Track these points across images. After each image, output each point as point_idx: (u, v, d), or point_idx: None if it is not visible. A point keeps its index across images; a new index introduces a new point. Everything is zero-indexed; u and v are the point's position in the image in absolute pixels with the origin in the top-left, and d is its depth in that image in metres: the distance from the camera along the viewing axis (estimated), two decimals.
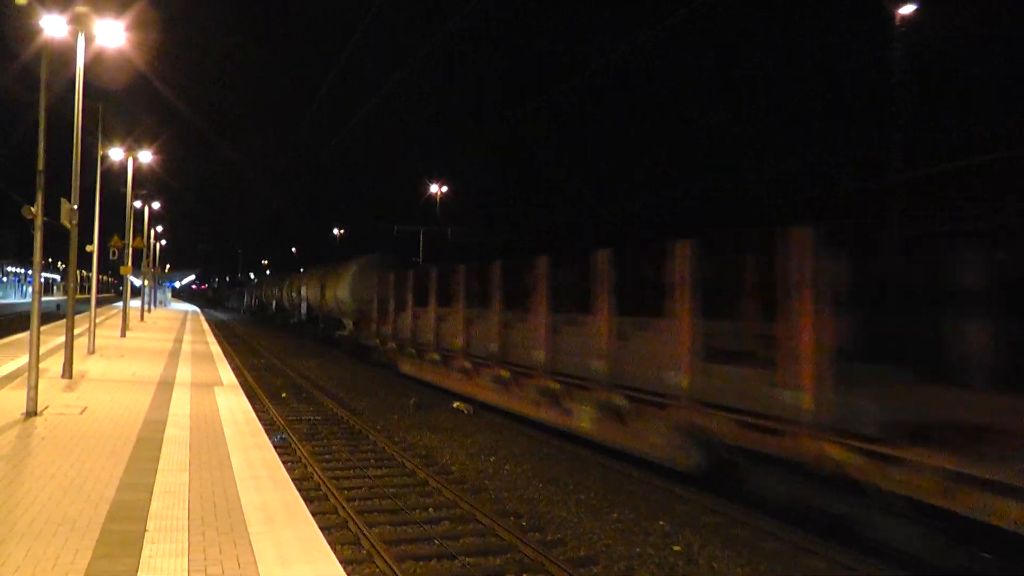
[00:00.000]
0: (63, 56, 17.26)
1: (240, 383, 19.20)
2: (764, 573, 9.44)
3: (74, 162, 17.69)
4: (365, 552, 9.51)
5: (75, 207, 17.13)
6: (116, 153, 33.15)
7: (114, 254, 35.30)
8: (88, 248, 26.63)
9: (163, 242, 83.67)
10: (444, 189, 55.25)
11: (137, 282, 69.65)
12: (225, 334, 49.98)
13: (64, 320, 19.56)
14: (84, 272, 63.70)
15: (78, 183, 17.71)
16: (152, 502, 7.86)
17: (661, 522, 11.21)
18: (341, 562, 6.67)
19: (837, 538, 10.40)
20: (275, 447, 11.43)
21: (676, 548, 10.17)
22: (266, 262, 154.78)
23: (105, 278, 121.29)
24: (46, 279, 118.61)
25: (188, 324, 48.22)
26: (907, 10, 19.09)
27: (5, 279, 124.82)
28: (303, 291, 49.18)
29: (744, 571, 9.49)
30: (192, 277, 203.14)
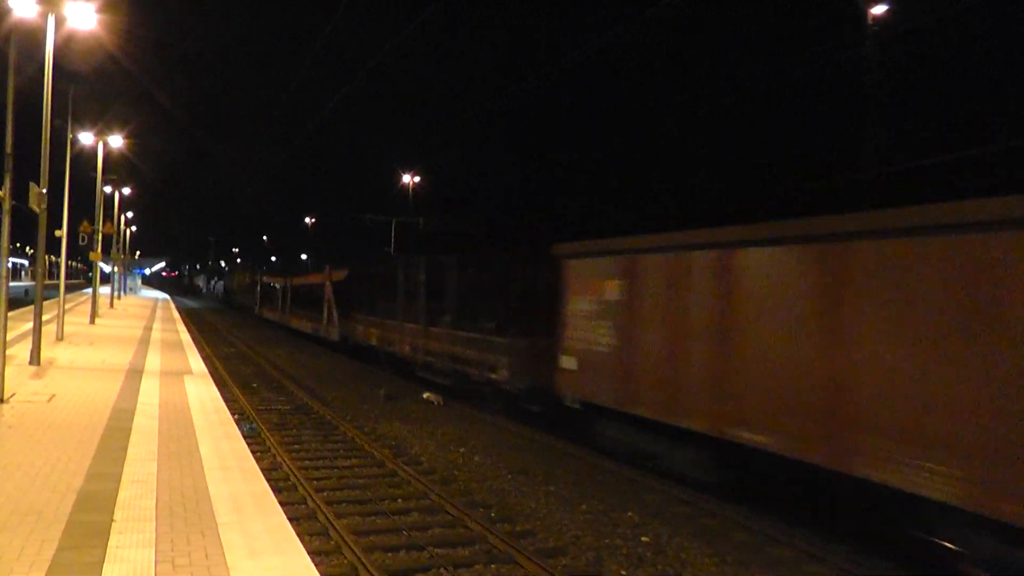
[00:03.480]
0: (33, 38, 17.05)
1: (210, 372, 19.11)
2: (732, 563, 9.54)
3: (43, 145, 17.46)
4: (334, 543, 9.51)
5: (44, 191, 16.93)
6: (86, 137, 32.81)
7: (83, 239, 34.95)
8: (57, 233, 26.34)
9: (133, 228, 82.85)
10: (417, 179, 55.03)
11: (107, 268, 68.95)
12: (195, 322, 49.60)
13: (32, 306, 19.34)
14: (53, 257, 62.91)
15: (47, 166, 17.47)
16: (120, 492, 7.81)
17: (630, 513, 11.30)
18: (309, 553, 6.66)
19: (806, 527, 10.55)
20: (244, 437, 11.39)
21: (644, 539, 10.25)
22: (237, 250, 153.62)
23: (74, 264, 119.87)
24: (13, 264, 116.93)
25: (158, 312, 47.84)
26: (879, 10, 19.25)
27: None
28: None
29: (712, 561, 9.59)
30: (162, 264, 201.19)
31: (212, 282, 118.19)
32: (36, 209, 16.67)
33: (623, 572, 9.20)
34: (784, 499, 11.07)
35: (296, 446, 14.92)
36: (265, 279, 59.00)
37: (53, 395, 13.45)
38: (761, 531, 10.55)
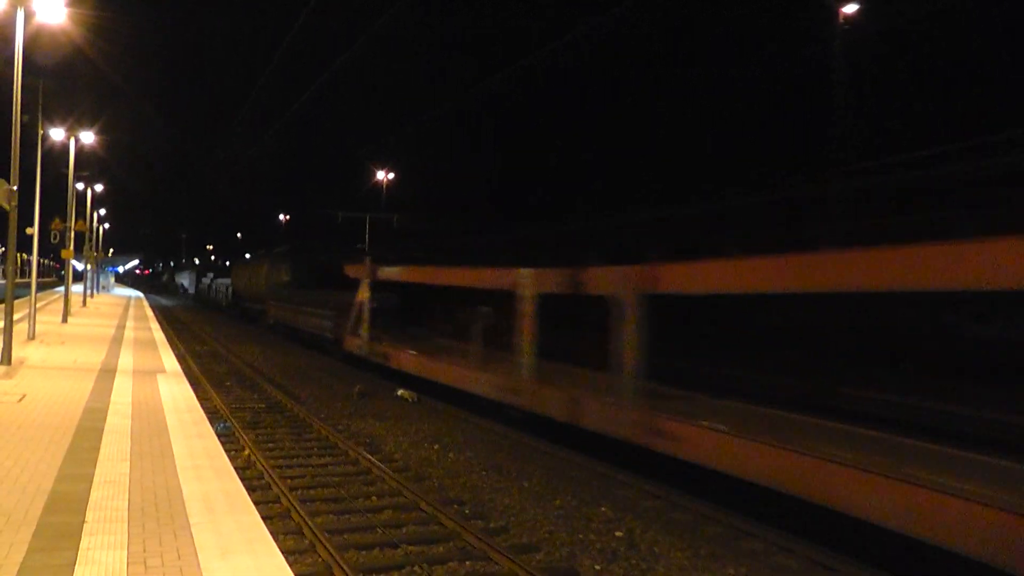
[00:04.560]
0: (2, 32, 16.93)
1: (183, 370, 19.00)
2: (704, 556, 9.66)
3: (13, 141, 17.28)
4: (307, 542, 9.52)
5: (14, 188, 16.78)
6: (58, 133, 32.50)
7: (55, 237, 34.61)
8: (28, 231, 26.07)
9: (106, 226, 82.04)
10: (391, 176, 54.90)
11: (79, 266, 68.33)
12: (168, 320, 49.27)
13: (2, 305, 19.16)
14: (24, 255, 61.94)
15: (17, 163, 17.31)
16: (91, 493, 7.78)
17: (603, 508, 11.40)
18: (283, 552, 6.67)
19: (776, 522, 10.68)
20: (218, 436, 11.36)
21: (618, 534, 10.35)
22: (211, 247, 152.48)
23: (46, 262, 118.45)
24: None
25: (131, 310, 47.46)
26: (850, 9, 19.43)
27: None
28: None
29: (684, 554, 9.70)
30: (136, 262, 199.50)
31: (208, 280, 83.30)
32: (6, 206, 16.52)
33: (597, 567, 9.29)
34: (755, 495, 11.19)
35: (270, 444, 14.91)
36: (383, 273, 24.25)
37: (24, 395, 13.35)
38: (732, 524, 10.67)
